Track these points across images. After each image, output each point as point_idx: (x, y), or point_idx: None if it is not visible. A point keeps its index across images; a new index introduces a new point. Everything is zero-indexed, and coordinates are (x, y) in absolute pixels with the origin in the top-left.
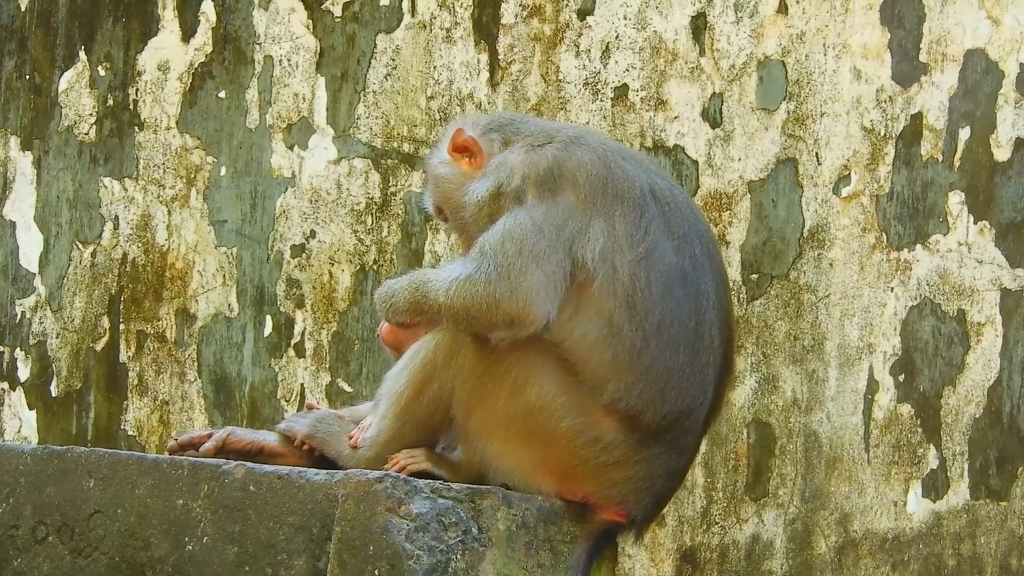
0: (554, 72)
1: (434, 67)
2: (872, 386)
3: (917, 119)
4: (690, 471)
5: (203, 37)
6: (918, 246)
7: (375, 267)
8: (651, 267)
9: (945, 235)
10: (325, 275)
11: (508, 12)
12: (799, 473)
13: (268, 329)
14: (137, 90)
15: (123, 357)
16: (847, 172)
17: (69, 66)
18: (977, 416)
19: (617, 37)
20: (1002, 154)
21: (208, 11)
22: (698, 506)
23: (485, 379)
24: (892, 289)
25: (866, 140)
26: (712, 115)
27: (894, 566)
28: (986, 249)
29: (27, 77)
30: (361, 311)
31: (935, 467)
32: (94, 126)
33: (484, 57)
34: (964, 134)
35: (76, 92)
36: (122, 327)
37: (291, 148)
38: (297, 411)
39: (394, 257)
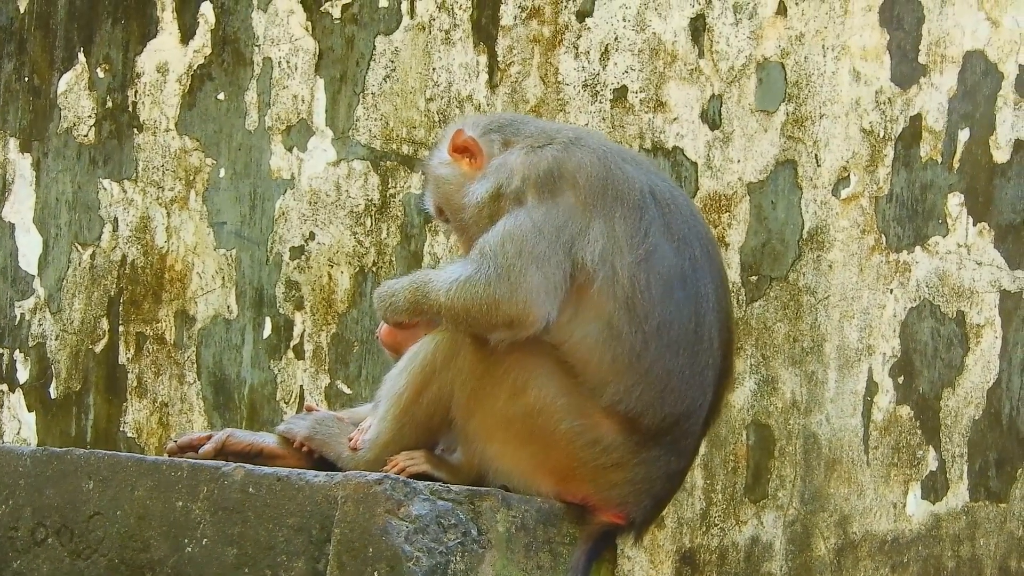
0: (553, 74)
1: (433, 69)
2: (871, 388)
3: (916, 121)
4: (689, 473)
5: (202, 39)
6: (917, 248)
7: (374, 269)
8: (651, 269)
9: (944, 237)
10: (324, 277)
11: (507, 14)
12: (798, 475)
13: (267, 331)
14: (136, 92)
15: (122, 359)
16: (846, 174)
17: (68, 68)
18: (976, 418)
19: (616, 39)
20: (1001, 156)
21: (207, 13)
22: (697, 508)
23: (484, 381)
24: (891, 291)
25: (865, 142)
26: (711, 117)
27: (893, 568)
28: (985, 251)
29: (26, 79)
30: (360, 313)
31: (934, 469)
32: (93, 128)
33: (483, 59)
34: (963, 136)
35: (75, 94)
36: (121, 329)
37: (290, 150)
38: (296, 413)
39: (393, 259)
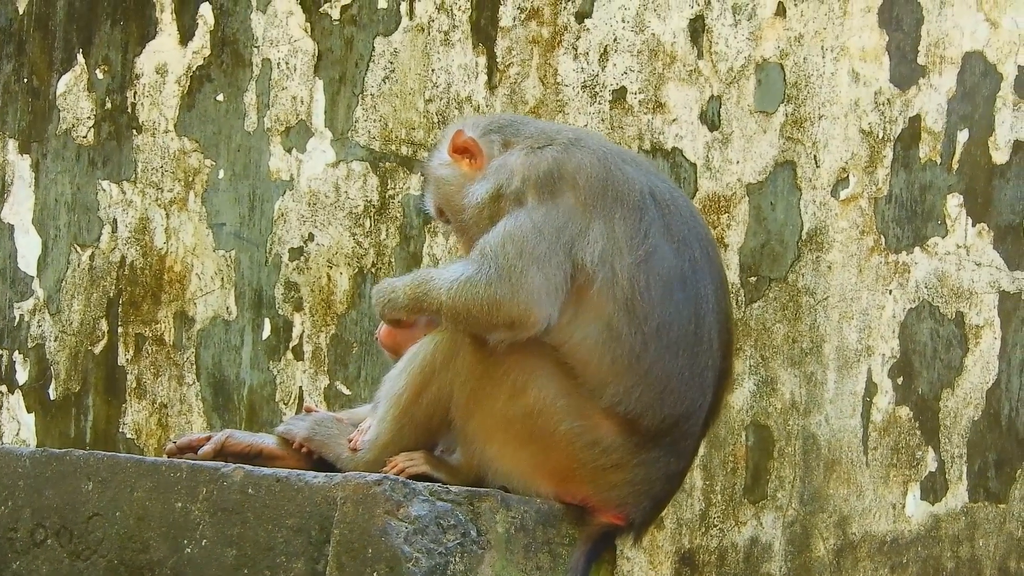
0: (552, 75)
1: (432, 70)
2: (871, 389)
3: (915, 122)
4: (689, 474)
5: (201, 40)
6: (916, 249)
7: (373, 270)
8: (650, 270)
9: (943, 238)
10: (323, 278)
11: (506, 15)
12: (797, 476)
13: (266, 332)
14: (135, 93)
15: (121, 360)
16: (845, 175)
17: (67, 69)
18: (976, 418)
19: (615, 40)
20: (1000, 156)
21: (206, 14)
22: (697, 509)
23: (484, 382)
24: (890, 292)
25: (864, 143)
26: (710, 118)
27: (892, 568)
28: (984, 252)
29: (25, 80)
30: (359, 314)
31: (933, 470)
32: (92, 129)
33: (482, 60)
34: (962, 136)
35: (74, 95)
36: (120, 330)
37: (289, 151)
38: (296, 414)
39: (392, 260)
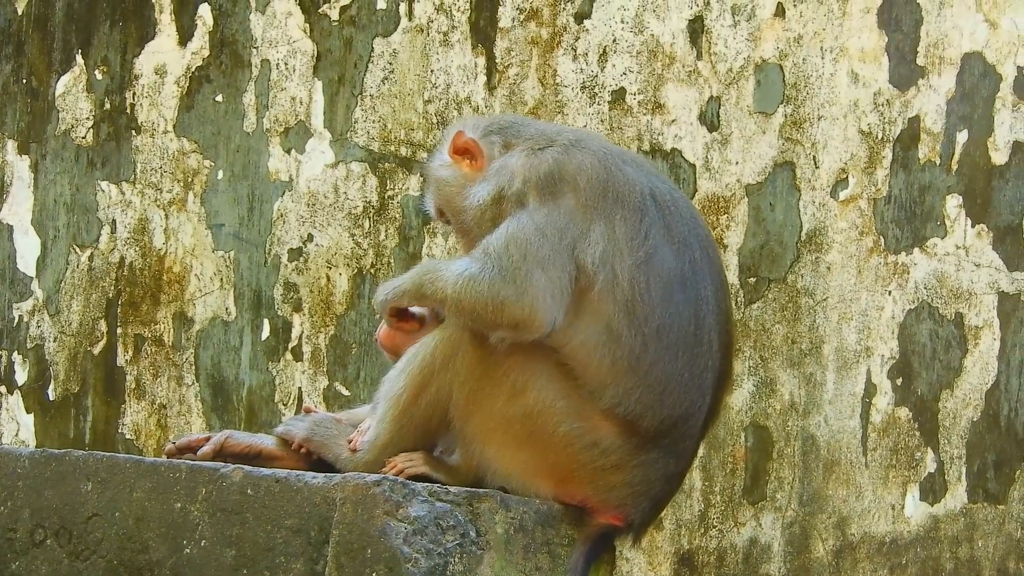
0: (551, 76)
1: (431, 71)
2: (870, 389)
3: (915, 122)
4: (688, 475)
5: (200, 41)
6: (916, 249)
7: (372, 271)
8: (651, 271)
9: (943, 238)
10: (322, 279)
11: (505, 16)
12: (797, 477)
13: (266, 333)
14: (134, 94)
15: (120, 361)
16: (844, 175)
17: (66, 70)
18: (975, 419)
19: (614, 41)
20: (1000, 157)
21: (205, 15)
22: (696, 510)
23: (483, 382)
24: (890, 292)
25: (864, 143)
26: (709, 119)
27: (892, 569)
28: (984, 252)
29: (24, 81)
30: (359, 315)
31: (933, 470)
32: (91, 130)
33: (481, 61)
34: (962, 137)
35: (73, 96)
36: (119, 331)
37: (288, 152)
38: (295, 414)
39: (391, 261)
